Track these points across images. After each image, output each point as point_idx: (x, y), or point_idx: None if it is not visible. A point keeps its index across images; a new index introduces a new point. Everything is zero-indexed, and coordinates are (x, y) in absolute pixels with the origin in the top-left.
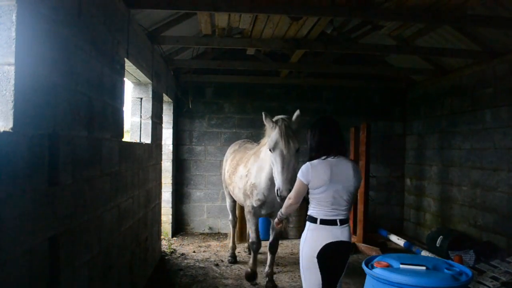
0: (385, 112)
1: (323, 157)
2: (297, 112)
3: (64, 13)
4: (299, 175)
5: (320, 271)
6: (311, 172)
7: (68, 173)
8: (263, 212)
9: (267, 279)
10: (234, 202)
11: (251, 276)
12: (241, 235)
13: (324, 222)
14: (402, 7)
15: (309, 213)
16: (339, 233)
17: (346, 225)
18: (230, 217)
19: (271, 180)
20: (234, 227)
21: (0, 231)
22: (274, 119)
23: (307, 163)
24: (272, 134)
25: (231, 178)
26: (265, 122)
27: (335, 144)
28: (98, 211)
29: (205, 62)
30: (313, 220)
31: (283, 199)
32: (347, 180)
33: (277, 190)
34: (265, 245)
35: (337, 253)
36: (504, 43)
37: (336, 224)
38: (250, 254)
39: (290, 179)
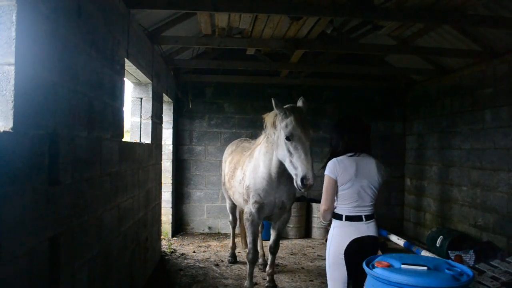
0: (385, 112)
1: (349, 154)
2: (301, 99)
3: (64, 13)
4: (327, 171)
5: (347, 268)
6: (338, 167)
7: (68, 173)
8: (262, 216)
9: (267, 279)
10: (234, 204)
11: None
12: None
13: (349, 218)
14: (402, 7)
15: (334, 211)
16: (365, 228)
17: (371, 220)
18: (230, 218)
19: (267, 179)
20: (234, 228)
21: (0, 231)
22: (285, 107)
23: (333, 159)
24: (286, 121)
25: (230, 183)
26: (275, 109)
27: (361, 143)
28: (98, 211)
29: (205, 62)
30: (339, 217)
31: (308, 188)
32: (371, 176)
33: (302, 179)
34: (265, 245)
35: (364, 248)
36: (504, 43)
37: (362, 220)
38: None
39: (313, 166)
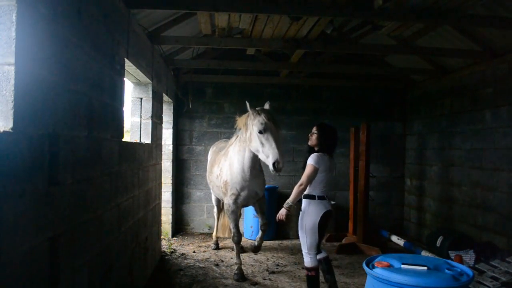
0: (385, 112)
1: (324, 154)
2: (268, 103)
3: (64, 13)
4: (312, 162)
5: (318, 233)
6: (320, 160)
7: (68, 173)
8: (240, 205)
9: (255, 243)
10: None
11: (242, 274)
12: (226, 229)
13: (320, 198)
14: (402, 7)
15: (306, 193)
16: (327, 205)
17: (328, 199)
18: (215, 209)
19: (240, 175)
20: (218, 218)
21: (0, 231)
22: (256, 108)
23: (317, 154)
24: (259, 118)
25: (209, 178)
26: (249, 110)
27: (332, 147)
28: (98, 211)
29: (205, 62)
30: (312, 197)
31: (279, 170)
32: (333, 169)
33: (274, 163)
34: (265, 245)
35: (328, 218)
36: (504, 43)
37: (325, 199)
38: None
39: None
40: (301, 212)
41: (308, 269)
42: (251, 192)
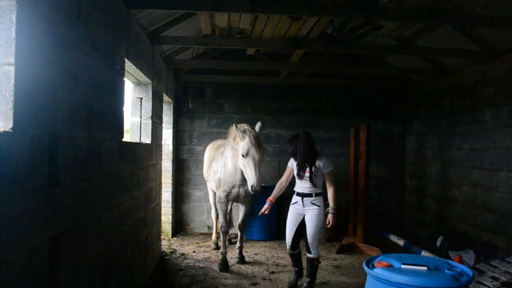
0: (385, 112)
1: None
2: (259, 124)
3: (64, 13)
4: (333, 167)
5: None
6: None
7: (68, 173)
8: (230, 199)
9: (237, 252)
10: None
11: (225, 264)
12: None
13: None
14: (402, 7)
15: (319, 191)
16: None
17: None
18: (213, 209)
19: (232, 177)
20: (216, 219)
21: (0, 231)
22: (242, 129)
23: (324, 158)
24: (243, 142)
25: (208, 172)
26: (235, 132)
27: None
28: (98, 211)
29: (205, 62)
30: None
31: (256, 192)
32: None
33: (251, 187)
34: (265, 245)
35: None
36: (504, 43)
37: None
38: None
39: (261, 178)
40: (320, 209)
41: (318, 260)
42: (242, 191)
